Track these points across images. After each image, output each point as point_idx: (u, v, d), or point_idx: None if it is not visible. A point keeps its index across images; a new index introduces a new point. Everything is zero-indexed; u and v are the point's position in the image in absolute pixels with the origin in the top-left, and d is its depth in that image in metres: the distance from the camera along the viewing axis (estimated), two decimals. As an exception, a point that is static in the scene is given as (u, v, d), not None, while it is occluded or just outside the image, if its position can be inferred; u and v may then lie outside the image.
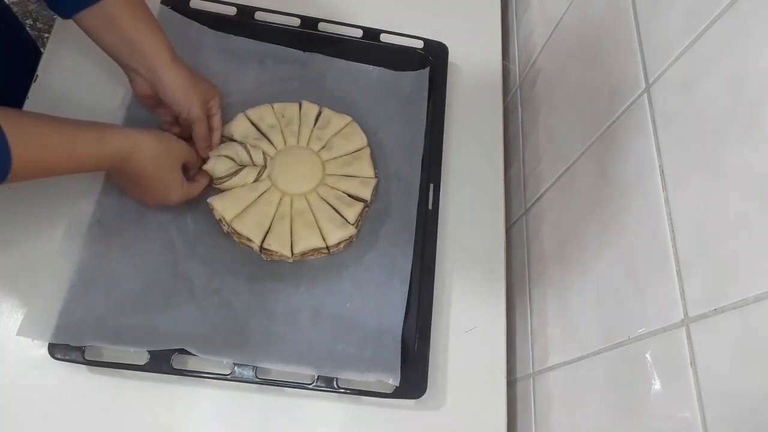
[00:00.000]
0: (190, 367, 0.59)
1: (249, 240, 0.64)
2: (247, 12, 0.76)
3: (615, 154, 0.54)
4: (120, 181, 0.61)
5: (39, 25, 1.65)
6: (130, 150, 0.56)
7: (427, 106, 0.76)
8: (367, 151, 0.72)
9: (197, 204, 0.65)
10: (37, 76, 0.72)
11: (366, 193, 0.68)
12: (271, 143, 0.70)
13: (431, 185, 0.71)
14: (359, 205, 0.67)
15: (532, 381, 0.65)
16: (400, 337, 0.62)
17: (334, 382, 0.59)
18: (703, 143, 0.41)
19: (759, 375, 0.34)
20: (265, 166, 0.68)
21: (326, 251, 0.66)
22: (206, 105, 0.65)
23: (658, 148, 0.47)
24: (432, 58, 0.79)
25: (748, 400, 0.35)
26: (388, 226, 0.69)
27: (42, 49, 0.78)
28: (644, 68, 0.50)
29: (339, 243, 0.65)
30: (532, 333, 0.67)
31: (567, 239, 0.62)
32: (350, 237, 0.66)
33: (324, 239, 0.65)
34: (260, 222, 0.64)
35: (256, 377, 0.58)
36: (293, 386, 0.59)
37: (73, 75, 0.72)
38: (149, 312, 0.60)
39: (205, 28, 0.75)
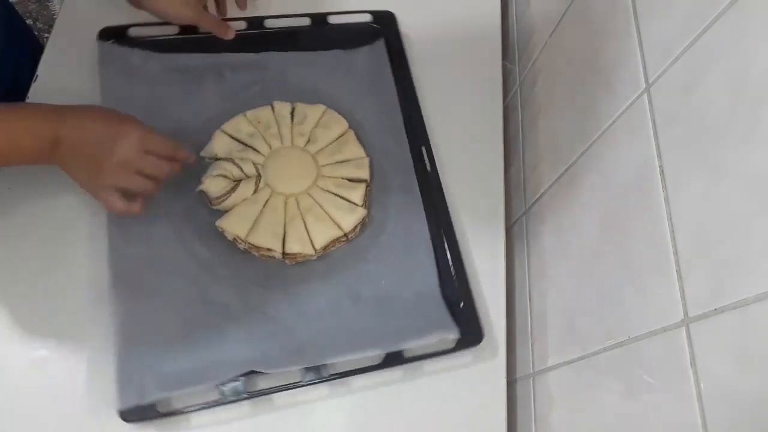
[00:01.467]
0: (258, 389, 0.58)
1: (269, 250, 0.64)
2: (189, 27, 0.74)
3: (615, 154, 0.54)
4: (68, 160, 0.57)
5: (39, 25, 1.65)
6: (57, 127, 0.54)
7: (394, 75, 0.77)
8: (351, 133, 0.73)
9: (206, 232, 0.65)
10: (37, 76, 0.72)
11: (364, 173, 0.70)
12: (257, 151, 0.69)
13: (423, 148, 0.72)
14: (362, 186, 0.69)
15: (532, 381, 0.65)
16: (441, 296, 0.64)
17: (401, 355, 0.60)
18: (703, 143, 0.41)
19: (759, 375, 0.34)
20: (259, 176, 0.68)
21: (345, 239, 0.67)
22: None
23: (658, 148, 0.47)
24: (382, 28, 0.79)
25: (748, 401, 0.35)
26: (394, 198, 0.70)
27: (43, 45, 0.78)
28: (644, 68, 0.50)
29: (355, 227, 0.66)
30: (532, 333, 0.67)
31: (567, 239, 0.62)
32: (363, 218, 0.67)
33: (340, 227, 0.66)
34: (274, 230, 0.65)
35: (326, 375, 0.59)
36: (361, 372, 0.60)
37: (73, 74, 0.72)
38: (199, 349, 0.59)
39: (151, 53, 0.72)
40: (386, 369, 0.60)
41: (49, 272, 0.63)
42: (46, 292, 0.62)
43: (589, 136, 0.59)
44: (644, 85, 0.50)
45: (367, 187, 0.69)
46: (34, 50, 0.83)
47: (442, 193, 0.70)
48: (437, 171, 0.71)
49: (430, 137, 0.73)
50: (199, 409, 0.56)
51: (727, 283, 0.37)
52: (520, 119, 0.81)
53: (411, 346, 0.61)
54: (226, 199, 0.65)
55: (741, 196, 0.37)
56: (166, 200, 0.65)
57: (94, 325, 0.61)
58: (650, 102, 0.49)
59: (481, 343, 0.62)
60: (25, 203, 0.65)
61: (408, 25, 0.82)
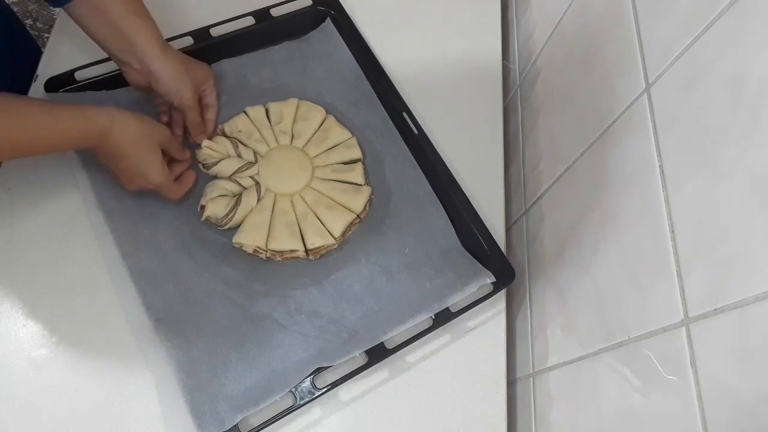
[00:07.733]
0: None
1: (292, 251, 0.65)
2: None
3: (615, 154, 0.54)
4: (105, 163, 0.61)
5: (39, 25, 1.65)
6: (109, 125, 0.56)
7: (350, 49, 0.78)
8: (331, 117, 0.73)
9: (224, 253, 0.65)
10: (37, 76, 0.72)
11: (356, 153, 0.71)
12: (252, 159, 0.69)
13: (403, 113, 0.73)
14: (358, 165, 0.70)
15: (532, 381, 0.65)
16: (463, 248, 0.67)
17: (449, 311, 0.63)
18: (703, 143, 0.41)
19: (759, 375, 0.34)
20: (257, 183, 0.68)
21: (358, 220, 0.68)
22: (198, 91, 0.65)
23: (658, 148, 0.47)
24: (326, 9, 0.80)
25: (748, 401, 0.35)
26: (390, 169, 0.72)
27: (42, 49, 0.78)
28: (644, 68, 0.50)
29: (365, 206, 0.68)
30: (532, 333, 0.67)
31: (567, 239, 0.62)
32: (369, 196, 0.68)
33: (351, 210, 0.67)
34: (291, 231, 0.65)
35: (387, 350, 0.60)
36: (416, 339, 0.61)
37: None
38: (260, 363, 0.59)
39: (105, 91, 0.70)
40: (435, 328, 0.62)
41: (50, 271, 0.63)
42: (48, 292, 0.62)
43: (589, 136, 0.59)
44: (644, 85, 0.50)
45: (363, 164, 0.71)
46: (33, 50, 0.83)
47: (436, 151, 0.71)
48: (424, 131, 0.72)
49: (430, 138, 0.73)
50: (279, 418, 0.57)
51: (727, 283, 0.37)
52: (520, 119, 0.81)
53: (454, 301, 0.63)
54: (233, 215, 0.65)
55: (741, 196, 0.37)
56: (175, 235, 0.65)
57: (96, 323, 0.61)
58: (650, 102, 0.49)
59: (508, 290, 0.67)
60: (25, 203, 0.65)
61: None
